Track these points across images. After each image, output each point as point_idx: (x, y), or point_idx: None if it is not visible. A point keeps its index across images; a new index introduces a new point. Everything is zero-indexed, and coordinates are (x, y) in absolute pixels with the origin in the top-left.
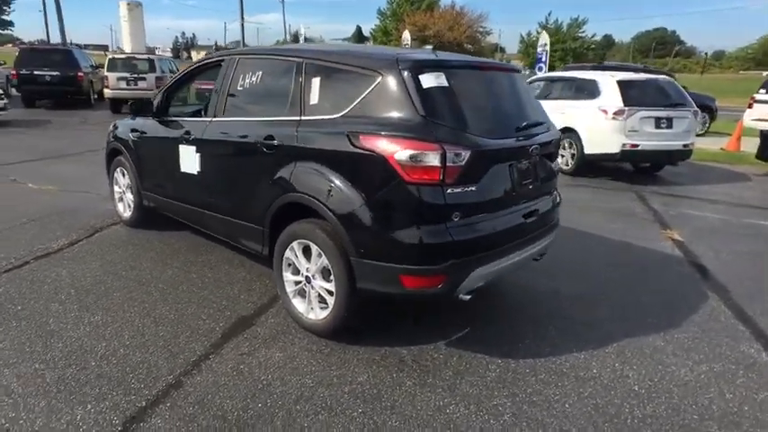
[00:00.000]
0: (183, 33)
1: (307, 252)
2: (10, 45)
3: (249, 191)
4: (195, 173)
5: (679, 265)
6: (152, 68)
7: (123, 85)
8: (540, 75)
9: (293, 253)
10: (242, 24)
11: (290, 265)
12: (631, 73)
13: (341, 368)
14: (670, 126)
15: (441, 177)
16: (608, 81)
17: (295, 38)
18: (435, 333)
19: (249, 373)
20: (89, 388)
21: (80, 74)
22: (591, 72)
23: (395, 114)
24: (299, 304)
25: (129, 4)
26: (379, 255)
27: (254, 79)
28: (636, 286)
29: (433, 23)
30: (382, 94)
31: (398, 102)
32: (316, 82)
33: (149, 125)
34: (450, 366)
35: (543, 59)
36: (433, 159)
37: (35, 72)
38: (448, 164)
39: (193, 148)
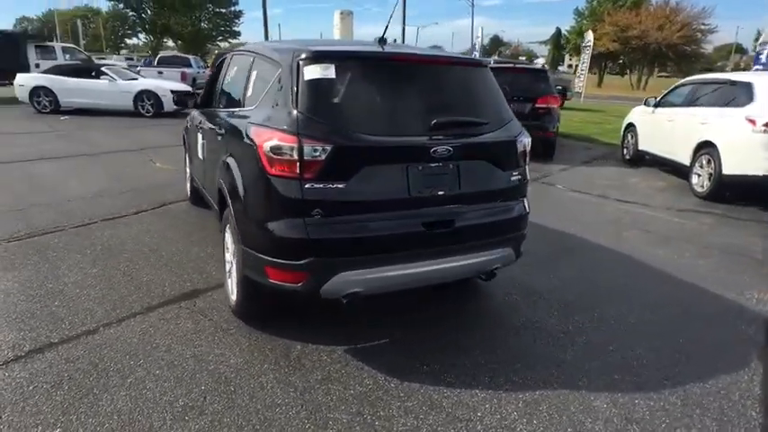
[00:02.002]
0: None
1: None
2: None
3: (212, 175)
4: (202, 158)
5: (744, 322)
6: None
7: None
8: (693, 77)
9: (227, 235)
10: (403, 29)
11: (228, 247)
12: None
13: (225, 348)
14: None
15: (298, 171)
16: (766, 84)
17: (498, 42)
18: (349, 336)
19: (151, 335)
20: (34, 320)
21: None
22: (750, 74)
23: (280, 105)
24: (229, 284)
25: (341, 13)
26: (251, 244)
27: (232, 74)
28: (655, 336)
29: (639, 23)
30: (278, 85)
31: (285, 93)
32: (254, 75)
33: (194, 116)
34: (326, 371)
35: (764, 60)
36: (291, 152)
37: None
38: (305, 158)
39: (201, 135)
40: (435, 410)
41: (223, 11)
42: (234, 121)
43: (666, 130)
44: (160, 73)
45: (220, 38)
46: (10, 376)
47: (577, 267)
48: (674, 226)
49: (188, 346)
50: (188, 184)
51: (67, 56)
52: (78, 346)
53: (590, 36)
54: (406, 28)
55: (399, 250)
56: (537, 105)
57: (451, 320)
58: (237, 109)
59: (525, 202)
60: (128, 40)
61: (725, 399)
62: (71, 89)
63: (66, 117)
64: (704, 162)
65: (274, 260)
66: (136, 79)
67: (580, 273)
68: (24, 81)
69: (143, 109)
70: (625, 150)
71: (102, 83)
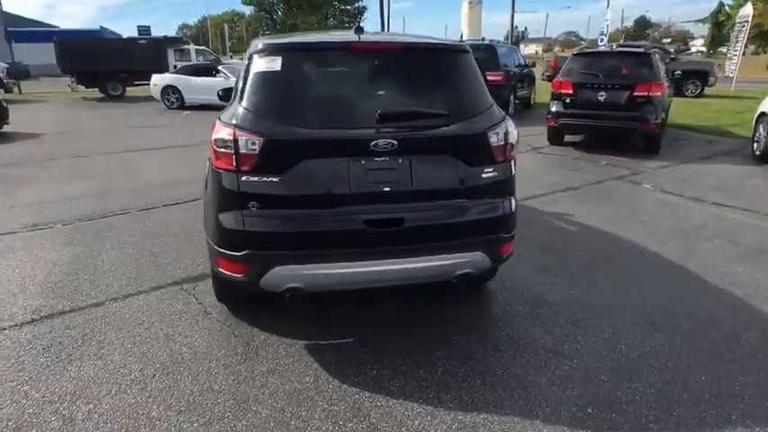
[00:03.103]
0: (516, 27)
1: None
2: None
3: None
4: None
5: None
6: None
7: None
8: None
9: None
10: (512, 15)
11: None
12: None
13: (196, 331)
14: None
15: (235, 164)
16: None
17: (644, 24)
18: (320, 331)
19: (143, 312)
20: (61, 290)
21: None
22: None
23: (236, 100)
24: None
25: (470, 3)
26: (208, 234)
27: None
28: (670, 370)
29: None
30: (240, 80)
31: (240, 86)
32: (241, 71)
33: None
34: (274, 363)
35: None
36: (230, 145)
37: None
38: (241, 150)
39: None
40: (358, 418)
41: (348, 8)
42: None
43: None
44: None
45: None
46: (17, 336)
47: (614, 280)
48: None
49: (166, 325)
50: None
51: (200, 57)
52: (81, 316)
53: (747, 10)
54: (534, 15)
55: (339, 248)
56: (635, 94)
57: (433, 324)
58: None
59: (508, 202)
60: None
61: None
62: (193, 87)
63: (188, 112)
64: None
65: (221, 250)
66: None
67: (613, 287)
68: (157, 81)
69: None
70: (755, 145)
71: (218, 80)
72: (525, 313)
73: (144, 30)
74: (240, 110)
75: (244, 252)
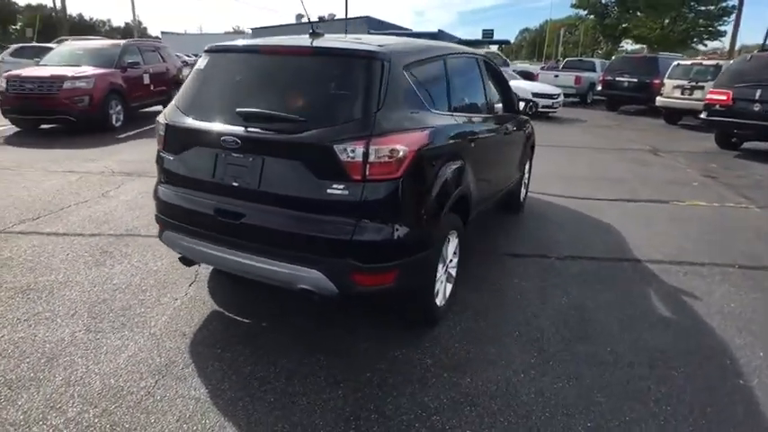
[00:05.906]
0: None
1: None
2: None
3: None
4: None
5: None
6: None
7: (678, 93)
8: None
9: None
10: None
11: None
12: None
13: (177, 271)
14: None
15: (158, 143)
16: None
17: None
18: (255, 309)
19: (166, 249)
20: None
21: (656, 81)
22: None
23: None
24: None
25: None
26: None
27: None
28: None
29: None
30: None
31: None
32: None
33: None
34: (180, 320)
35: None
36: (156, 127)
37: (617, 78)
38: (160, 132)
39: None
40: (171, 388)
41: (710, 8)
42: None
43: None
44: (556, 77)
45: (695, 39)
46: (97, 241)
47: (588, 392)
48: None
49: (166, 262)
50: None
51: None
52: (140, 240)
53: None
54: None
55: (198, 227)
56: None
57: (348, 348)
58: None
59: (374, 229)
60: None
61: None
62: None
63: None
64: None
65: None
66: None
67: (577, 397)
68: None
69: None
70: None
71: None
72: (423, 375)
73: (488, 33)
74: (173, 100)
75: (156, 213)
